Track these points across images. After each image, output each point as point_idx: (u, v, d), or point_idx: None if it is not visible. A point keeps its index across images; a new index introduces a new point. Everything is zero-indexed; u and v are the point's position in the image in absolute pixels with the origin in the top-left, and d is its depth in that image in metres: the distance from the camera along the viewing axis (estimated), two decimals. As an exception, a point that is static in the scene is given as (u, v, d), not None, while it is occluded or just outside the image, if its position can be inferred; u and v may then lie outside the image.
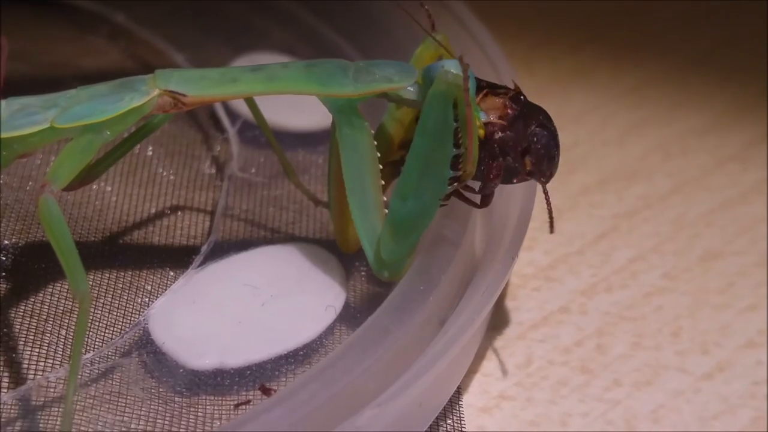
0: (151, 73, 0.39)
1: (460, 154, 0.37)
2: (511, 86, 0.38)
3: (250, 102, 0.44)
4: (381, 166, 0.38)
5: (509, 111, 0.38)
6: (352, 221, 0.40)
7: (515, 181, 0.38)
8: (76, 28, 0.56)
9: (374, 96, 0.38)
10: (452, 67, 0.37)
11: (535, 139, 0.38)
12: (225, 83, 0.38)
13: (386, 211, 0.38)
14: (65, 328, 0.40)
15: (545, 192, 0.39)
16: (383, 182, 0.39)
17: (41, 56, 0.54)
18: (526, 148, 0.38)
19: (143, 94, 0.38)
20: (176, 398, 0.38)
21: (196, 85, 0.38)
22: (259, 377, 0.39)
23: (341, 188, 0.40)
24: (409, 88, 0.38)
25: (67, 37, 0.56)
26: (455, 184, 0.37)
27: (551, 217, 0.39)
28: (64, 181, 0.37)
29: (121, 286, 0.42)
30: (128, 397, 0.38)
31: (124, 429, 0.37)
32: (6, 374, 0.38)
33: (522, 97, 0.38)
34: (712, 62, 0.60)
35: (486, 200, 0.39)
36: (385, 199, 0.39)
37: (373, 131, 0.39)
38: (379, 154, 0.38)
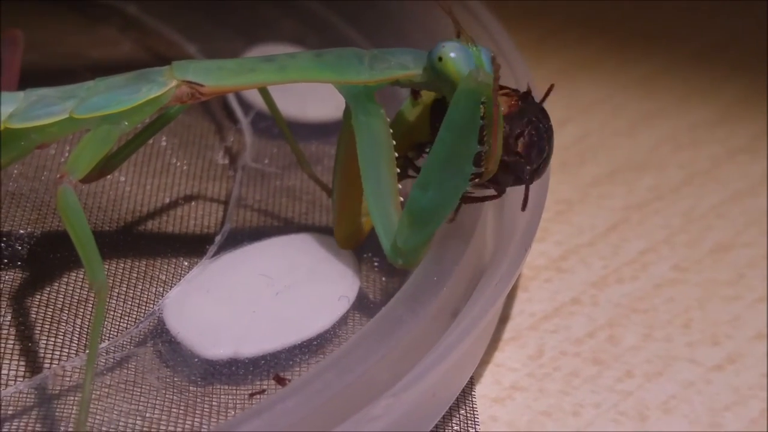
0: (168, 65, 0.39)
1: (483, 152, 0.37)
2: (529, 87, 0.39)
3: (264, 93, 0.44)
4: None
5: (513, 109, 0.38)
6: (353, 215, 0.40)
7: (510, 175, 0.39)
8: (88, 19, 0.56)
9: (389, 83, 0.38)
10: (452, 49, 0.37)
11: (529, 127, 0.38)
12: (242, 73, 0.39)
13: (401, 199, 0.38)
14: (81, 317, 0.40)
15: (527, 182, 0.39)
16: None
17: (53, 47, 0.54)
18: (519, 133, 0.38)
19: (161, 85, 0.38)
20: (191, 387, 0.38)
21: (213, 75, 0.38)
22: (273, 367, 0.39)
23: (345, 181, 0.40)
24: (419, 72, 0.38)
25: (79, 28, 0.56)
26: (476, 180, 0.38)
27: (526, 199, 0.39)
28: (82, 171, 0.37)
29: (135, 275, 0.42)
30: (143, 387, 0.38)
31: (139, 418, 0.37)
32: (23, 363, 0.38)
33: (529, 97, 0.38)
34: (721, 53, 0.60)
35: (500, 189, 0.39)
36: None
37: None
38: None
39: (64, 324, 0.40)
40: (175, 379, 0.38)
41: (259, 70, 0.39)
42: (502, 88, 0.38)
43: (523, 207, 0.39)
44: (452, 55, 0.37)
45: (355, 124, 0.38)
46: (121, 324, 0.40)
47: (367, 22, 0.54)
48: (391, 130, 0.39)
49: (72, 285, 0.41)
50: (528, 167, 0.38)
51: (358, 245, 0.42)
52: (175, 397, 0.38)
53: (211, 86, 0.38)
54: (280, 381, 0.39)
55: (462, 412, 0.40)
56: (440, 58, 0.37)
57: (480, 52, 0.37)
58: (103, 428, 0.36)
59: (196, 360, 0.39)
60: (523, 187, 0.40)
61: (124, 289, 0.42)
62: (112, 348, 0.39)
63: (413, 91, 0.40)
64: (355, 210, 0.41)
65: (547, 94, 0.39)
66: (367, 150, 0.38)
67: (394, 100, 0.44)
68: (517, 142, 0.38)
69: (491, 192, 0.39)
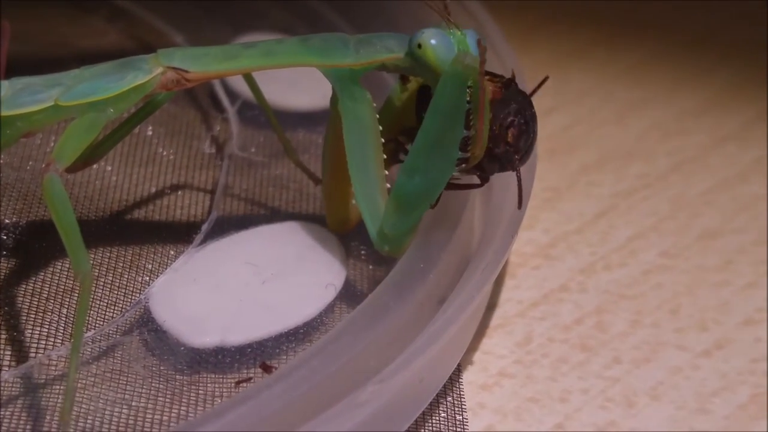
0: (154, 53, 0.39)
1: (470, 137, 0.37)
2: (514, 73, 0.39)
3: (251, 81, 0.44)
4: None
5: (497, 96, 0.38)
6: (344, 199, 0.40)
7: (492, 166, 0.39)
8: (75, 9, 0.56)
9: (374, 67, 0.38)
10: (432, 36, 0.37)
11: (516, 115, 0.38)
12: (228, 59, 0.39)
13: (388, 185, 0.38)
14: (66, 306, 0.40)
15: (518, 174, 0.38)
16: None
17: (40, 37, 0.54)
18: (510, 122, 0.38)
19: (146, 72, 0.38)
20: (177, 376, 0.38)
21: (199, 61, 0.38)
22: (259, 355, 0.39)
23: (335, 166, 0.40)
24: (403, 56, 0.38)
25: (66, 19, 0.56)
26: (463, 165, 0.38)
27: (520, 195, 0.38)
28: (69, 159, 0.37)
29: (122, 265, 0.42)
30: (129, 375, 0.38)
31: (125, 406, 0.37)
32: (8, 352, 0.38)
33: (513, 84, 0.38)
34: (710, 41, 0.60)
35: (484, 177, 0.39)
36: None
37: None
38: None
39: (49, 313, 0.40)
40: (162, 367, 0.38)
41: (245, 56, 0.39)
42: (488, 73, 0.38)
43: (519, 204, 0.38)
44: (432, 42, 0.37)
45: (342, 108, 0.38)
46: (107, 313, 0.40)
47: (357, 12, 0.54)
48: (379, 116, 0.39)
49: (58, 275, 0.41)
50: (516, 156, 0.38)
51: (350, 229, 0.42)
52: (161, 386, 0.38)
53: (196, 72, 0.39)
54: (267, 369, 0.39)
55: (449, 398, 0.40)
56: (420, 45, 0.37)
57: (465, 35, 0.37)
58: (89, 417, 0.36)
59: (182, 348, 0.39)
60: (510, 171, 0.40)
61: (111, 278, 0.41)
62: (98, 337, 0.39)
63: (402, 75, 0.39)
64: (344, 195, 0.41)
65: (539, 86, 0.39)
66: (353, 135, 0.38)
67: (383, 87, 0.44)
68: (506, 131, 0.38)
69: (476, 181, 0.39)
